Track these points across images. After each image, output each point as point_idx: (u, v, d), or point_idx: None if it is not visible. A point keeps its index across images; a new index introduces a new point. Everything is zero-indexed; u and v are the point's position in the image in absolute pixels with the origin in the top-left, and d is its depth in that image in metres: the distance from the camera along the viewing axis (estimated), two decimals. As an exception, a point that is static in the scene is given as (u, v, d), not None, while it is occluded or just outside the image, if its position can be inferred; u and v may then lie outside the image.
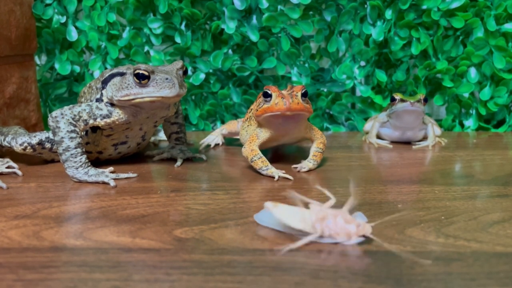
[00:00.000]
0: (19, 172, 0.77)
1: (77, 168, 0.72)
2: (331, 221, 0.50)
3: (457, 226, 0.55)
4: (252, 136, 0.79)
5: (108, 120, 0.75)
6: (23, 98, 1.04)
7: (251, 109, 0.84)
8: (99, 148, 0.81)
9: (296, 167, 0.80)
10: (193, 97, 1.16)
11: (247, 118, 0.86)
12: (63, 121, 0.72)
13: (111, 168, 0.76)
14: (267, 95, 0.73)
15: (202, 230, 0.55)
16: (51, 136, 0.79)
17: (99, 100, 0.76)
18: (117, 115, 0.74)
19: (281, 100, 0.72)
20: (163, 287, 0.42)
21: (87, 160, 0.73)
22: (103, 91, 0.76)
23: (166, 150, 0.88)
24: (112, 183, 0.71)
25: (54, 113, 0.73)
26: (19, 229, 0.55)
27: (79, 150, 0.73)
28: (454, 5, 1.06)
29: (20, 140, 0.79)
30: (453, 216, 0.59)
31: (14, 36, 1.00)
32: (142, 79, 0.70)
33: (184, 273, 0.45)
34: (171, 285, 0.43)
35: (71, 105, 0.74)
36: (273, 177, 0.75)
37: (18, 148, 0.79)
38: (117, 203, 0.63)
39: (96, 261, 0.47)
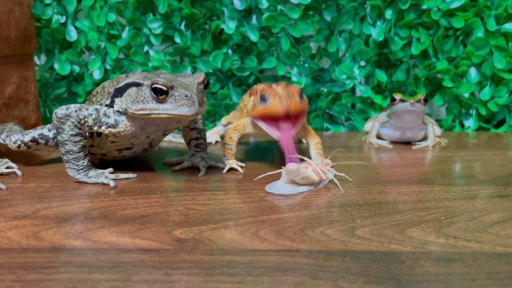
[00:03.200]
0: (19, 172, 0.77)
1: (77, 171, 0.72)
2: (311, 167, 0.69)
3: (457, 227, 0.55)
4: (240, 124, 0.80)
5: (113, 130, 0.72)
6: (22, 98, 1.04)
7: (243, 99, 0.85)
8: (103, 151, 0.79)
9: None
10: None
11: (240, 109, 0.86)
12: (68, 123, 0.70)
13: (111, 169, 0.76)
14: (263, 99, 0.71)
15: (202, 231, 0.54)
16: (44, 132, 0.77)
17: (107, 107, 0.73)
18: (124, 126, 0.71)
19: (278, 101, 0.70)
20: (162, 287, 0.42)
21: (88, 164, 0.73)
22: (116, 99, 0.72)
23: (186, 158, 0.82)
24: (112, 183, 0.71)
25: (59, 112, 0.70)
26: (18, 230, 0.55)
27: (81, 154, 0.71)
28: (454, 5, 1.06)
29: (14, 138, 0.78)
30: (453, 217, 0.58)
31: (14, 36, 1.00)
32: (160, 94, 0.65)
33: (183, 273, 0.45)
34: (171, 286, 0.43)
35: (78, 105, 0.71)
36: (233, 168, 0.79)
37: (12, 146, 0.78)
38: (116, 204, 0.63)
39: (95, 262, 0.47)
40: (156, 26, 1.10)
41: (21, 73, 1.04)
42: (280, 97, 0.70)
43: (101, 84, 0.79)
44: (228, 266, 0.46)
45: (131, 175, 0.75)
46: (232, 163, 0.80)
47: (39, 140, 0.77)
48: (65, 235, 0.53)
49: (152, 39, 1.12)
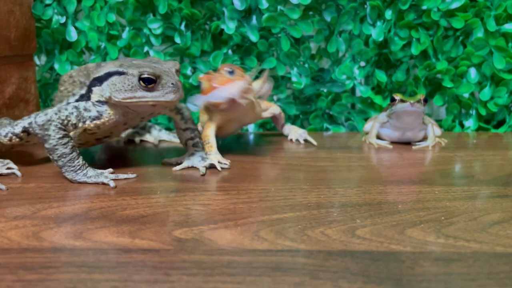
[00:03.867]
0: (19, 173, 0.76)
1: (75, 171, 0.72)
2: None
3: (457, 227, 0.55)
4: (208, 122, 0.86)
5: (98, 122, 0.73)
6: (22, 99, 1.04)
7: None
8: (82, 141, 0.80)
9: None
10: (193, 97, 1.16)
11: (201, 111, 0.95)
12: (52, 128, 0.70)
13: (111, 169, 0.76)
14: (199, 84, 0.81)
15: (202, 231, 0.54)
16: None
17: (84, 96, 0.75)
18: (108, 116, 0.73)
19: (208, 83, 0.79)
20: (162, 287, 0.42)
21: (84, 162, 0.73)
22: (94, 88, 0.73)
23: (186, 158, 0.82)
24: (112, 184, 0.71)
25: (40, 120, 0.70)
26: (18, 230, 0.55)
27: (74, 154, 0.71)
28: (454, 5, 1.06)
29: (4, 131, 0.77)
30: (453, 217, 0.58)
31: (14, 36, 1.00)
32: (148, 83, 0.69)
33: (183, 273, 0.45)
34: (171, 286, 0.43)
35: (55, 108, 0.71)
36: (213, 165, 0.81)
37: (4, 140, 0.77)
38: (116, 204, 0.63)
39: (95, 262, 0.47)
40: (156, 27, 1.10)
41: (21, 73, 1.04)
42: (210, 78, 0.79)
43: (67, 73, 0.81)
44: (228, 266, 0.46)
45: (131, 175, 0.75)
46: (213, 158, 0.81)
47: (30, 130, 0.76)
48: (65, 235, 0.53)
49: (152, 40, 1.12)
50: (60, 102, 0.81)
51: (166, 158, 0.85)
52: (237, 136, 1.07)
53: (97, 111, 0.73)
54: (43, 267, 0.46)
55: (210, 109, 0.85)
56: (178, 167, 0.80)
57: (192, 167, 0.81)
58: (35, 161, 0.86)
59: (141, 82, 0.69)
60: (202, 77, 0.82)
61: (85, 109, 0.73)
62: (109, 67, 0.72)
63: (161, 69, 0.71)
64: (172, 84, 0.70)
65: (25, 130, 0.76)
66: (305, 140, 1.01)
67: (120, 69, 0.71)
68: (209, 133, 0.85)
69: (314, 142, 0.99)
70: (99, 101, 0.73)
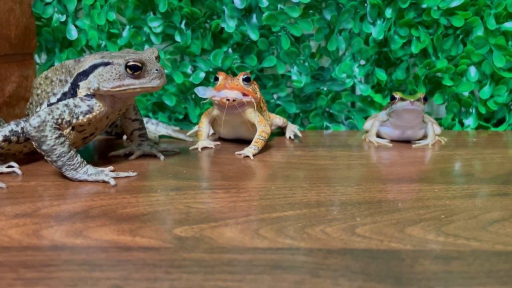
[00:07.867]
0: (19, 171, 0.76)
1: (75, 170, 0.72)
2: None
3: (457, 225, 0.56)
4: (207, 110, 0.95)
5: (90, 116, 0.74)
6: (23, 97, 1.04)
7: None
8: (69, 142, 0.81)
9: (240, 153, 0.89)
10: (193, 96, 1.16)
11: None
12: (48, 128, 0.70)
13: (111, 167, 0.76)
14: (216, 79, 0.88)
15: (202, 229, 0.55)
16: (14, 128, 0.77)
17: (67, 94, 0.76)
18: (99, 108, 0.74)
19: (223, 82, 0.86)
20: (163, 285, 0.43)
21: (82, 159, 0.73)
22: (81, 83, 0.74)
23: (135, 148, 0.87)
24: (112, 181, 0.71)
25: (34, 122, 0.69)
26: (19, 228, 0.55)
27: (72, 152, 0.71)
28: (454, 4, 1.06)
29: None
30: (453, 215, 0.59)
31: (14, 35, 1.00)
32: (135, 70, 0.71)
33: (184, 271, 0.45)
34: (171, 284, 0.43)
35: (46, 109, 0.71)
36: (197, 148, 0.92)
37: None
38: (117, 202, 0.63)
39: (96, 260, 0.47)
40: (156, 25, 1.10)
41: (21, 72, 1.04)
42: (225, 78, 0.87)
43: (41, 76, 0.81)
44: (229, 265, 0.46)
45: (131, 173, 0.75)
46: (203, 143, 0.93)
47: (12, 138, 0.77)
48: (66, 233, 0.53)
49: (153, 38, 1.12)
50: (39, 106, 0.81)
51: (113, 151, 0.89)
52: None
53: (88, 105, 0.74)
54: (43, 265, 0.46)
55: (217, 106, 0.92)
56: (132, 157, 0.85)
57: (143, 155, 0.87)
58: (36, 159, 0.86)
59: (127, 70, 0.71)
60: (221, 73, 0.88)
61: (75, 106, 0.74)
62: (91, 60, 0.74)
63: (144, 56, 0.74)
64: (156, 70, 0.73)
65: (6, 139, 0.76)
66: (295, 136, 1.03)
67: (105, 60, 0.73)
68: (203, 122, 0.95)
69: (299, 134, 1.04)
70: (87, 95, 0.74)
